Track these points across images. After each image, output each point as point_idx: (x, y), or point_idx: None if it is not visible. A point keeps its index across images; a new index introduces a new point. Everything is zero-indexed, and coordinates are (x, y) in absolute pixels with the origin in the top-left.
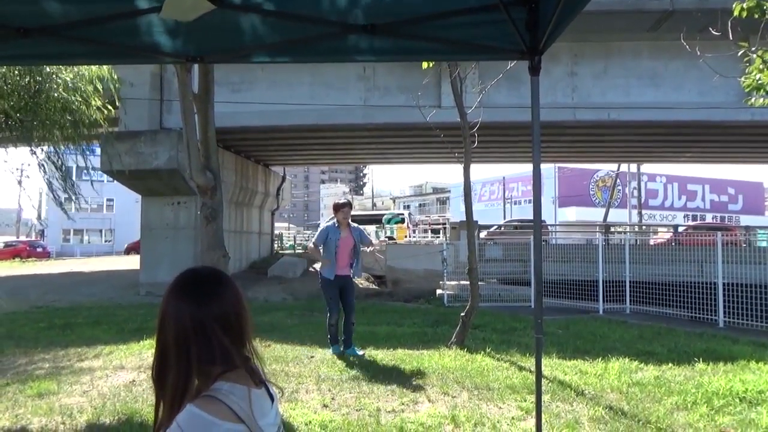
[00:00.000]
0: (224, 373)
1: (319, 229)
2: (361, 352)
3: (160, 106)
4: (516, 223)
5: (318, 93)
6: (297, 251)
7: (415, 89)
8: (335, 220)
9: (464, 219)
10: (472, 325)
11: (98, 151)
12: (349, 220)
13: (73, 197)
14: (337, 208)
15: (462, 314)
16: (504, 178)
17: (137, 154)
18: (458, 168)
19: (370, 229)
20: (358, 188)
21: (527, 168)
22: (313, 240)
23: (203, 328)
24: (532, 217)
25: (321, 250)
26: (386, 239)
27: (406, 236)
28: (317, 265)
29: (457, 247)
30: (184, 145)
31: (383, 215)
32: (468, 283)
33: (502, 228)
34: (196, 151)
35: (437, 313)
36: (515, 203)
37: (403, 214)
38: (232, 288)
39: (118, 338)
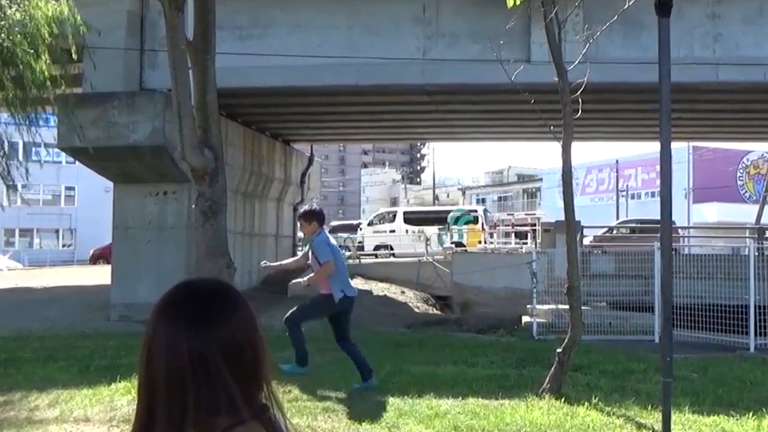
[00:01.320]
0: (232, 428)
1: (321, 242)
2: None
3: (141, 59)
4: (634, 225)
5: (358, 41)
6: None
7: (494, 37)
8: (321, 230)
9: (562, 218)
10: (572, 366)
11: (54, 121)
12: (313, 232)
13: (18, 184)
14: (307, 216)
15: (558, 350)
16: (617, 161)
17: (108, 125)
18: (553, 147)
19: (430, 231)
20: (413, 175)
21: (650, 148)
22: (326, 258)
23: (204, 363)
24: (656, 217)
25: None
26: (452, 246)
27: (479, 242)
28: (302, 279)
29: (552, 258)
30: (174, 112)
31: (448, 213)
32: (566, 307)
33: (615, 231)
34: (190, 120)
35: (523, 349)
36: (632, 197)
37: (475, 211)
38: (243, 308)
39: (80, 380)
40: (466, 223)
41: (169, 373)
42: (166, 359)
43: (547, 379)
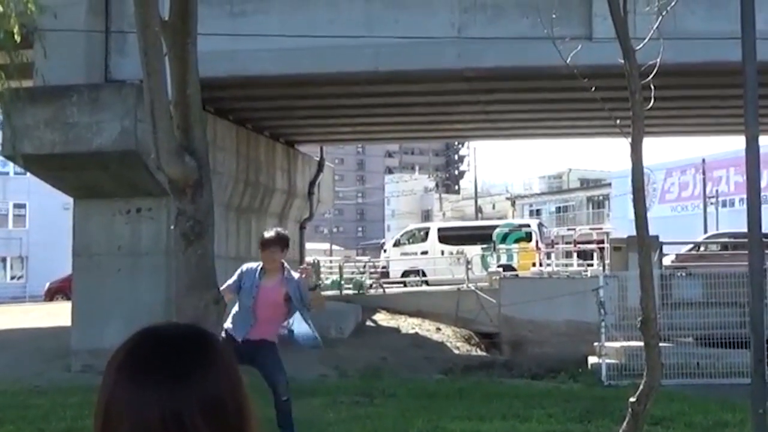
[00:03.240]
0: None
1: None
2: None
3: (106, 44)
4: (727, 240)
5: (380, 18)
6: (345, 290)
7: (547, 8)
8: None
9: (634, 233)
10: (649, 419)
11: None
12: (284, 265)
13: None
14: (264, 244)
15: (631, 399)
16: (703, 160)
17: (66, 127)
18: (623, 145)
19: (471, 251)
20: (450, 182)
21: (744, 144)
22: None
23: (180, 425)
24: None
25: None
26: (499, 270)
27: (533, 264)
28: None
29: (624, 283)
30: (146, 109)
31: (494, 229)
32: (642, 344)
33: (702, 248)
34: (166, 120)
35: (589, 398)
36: (723, 204)
37: (528, 226)
38: (223, 357)
39: None
40: (517, 240)
41: None
42: (131, 421)
43: None
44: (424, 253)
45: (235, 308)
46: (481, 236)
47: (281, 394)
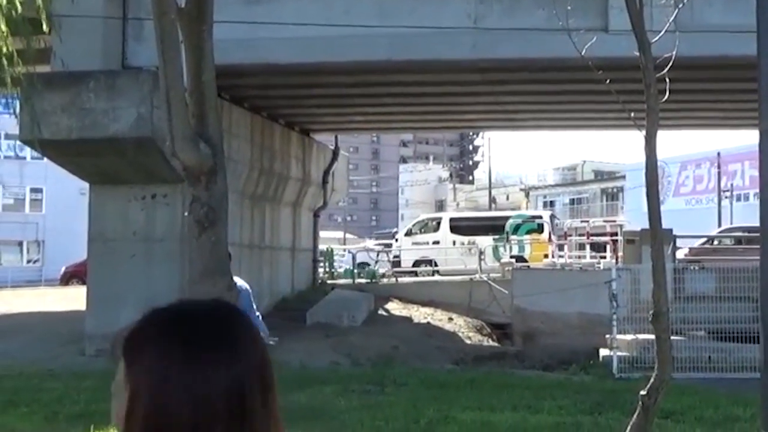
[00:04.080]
0: None
1: None
2: None
3: (123, 31)
4: (740, 234)
5: (395, 7)
6: (359, 279)
7: (562, 0)
8: None
9: (648, 226)
10: (660, 412)
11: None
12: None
13: None
14: None
15: (642, 393)
16: (719, 154)
17: (83, 113)
18: (638, 138)
19: (483, 242)
20: (464, 172)
21: (757, 138)
22: None
23: (242, 397)
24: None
25: None
26: (511, 261)
27: (545, 255)
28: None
29: (637, 275)
30: (161, 96)
31: (506, 220)
32: (653, 337)
33: (715, 242)
34: (181, 107)
35: (600, 390)
36: (738, 198)
37: (540, 218)
38: (252, 326)
39: (46, 431)
40: (529, 232)
41: (159, 426)
42: (196, 406)
43: (629, 428)
44: (436, 243)
45: None
46: (493, 227)
47: None
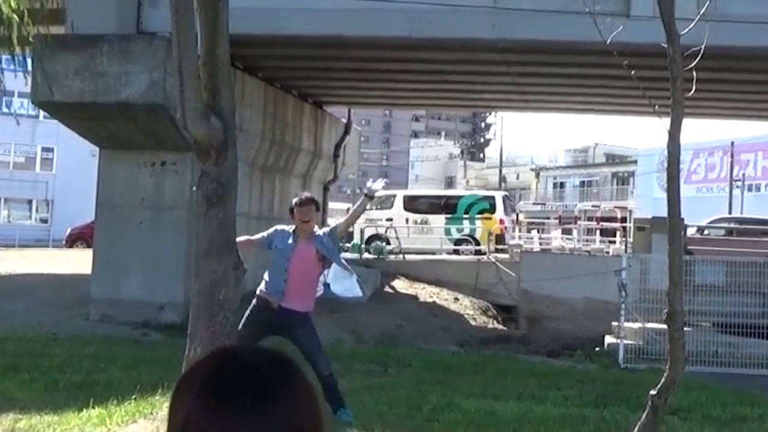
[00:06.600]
0: None
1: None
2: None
3: None
4: (733, 225)
5: None
6: (367, 254)
7: None
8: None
9: (659, 213)
10: (668, 409)
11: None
12: (315, 227)
13: None
14: (301, 203)
15: (652, 392)
16: (732, 143)
17: (95, 76)
18: (651, 123)
19: (437, 220)
20: (475, 149)
21: None
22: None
23: None
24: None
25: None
26: (519, 244)
27: (496, 235)
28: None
29: (646, 264)
30: (174, 67)
31: (460, 198)
32: (661, 326)
33: (705, 233)
34: (193, 79)
35: (606, 380)
36: (749, 188)
37: (493, 198)
38: (304, 385)
39: (45, 400)
40: (481, 212)
41: None
42: None
43: (637, 427)
44: (389, 220)
45: (266, 275)
46: (446, 206)
47: (322, 370)
